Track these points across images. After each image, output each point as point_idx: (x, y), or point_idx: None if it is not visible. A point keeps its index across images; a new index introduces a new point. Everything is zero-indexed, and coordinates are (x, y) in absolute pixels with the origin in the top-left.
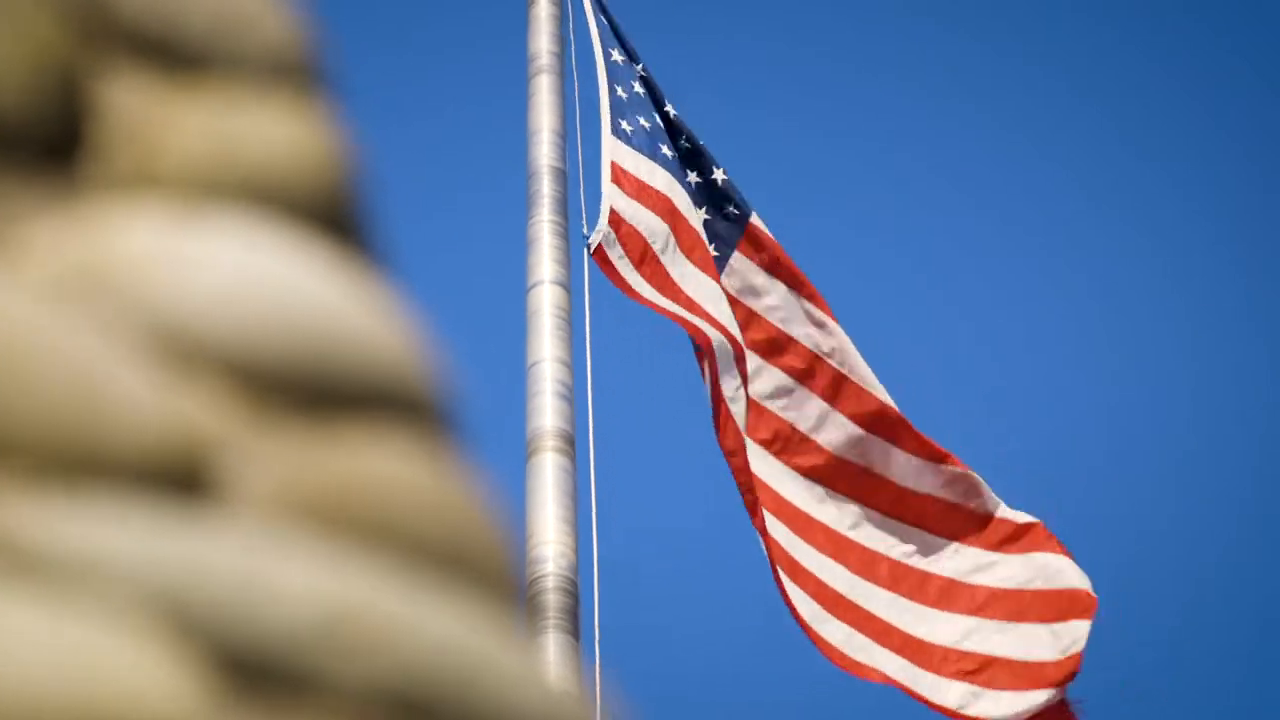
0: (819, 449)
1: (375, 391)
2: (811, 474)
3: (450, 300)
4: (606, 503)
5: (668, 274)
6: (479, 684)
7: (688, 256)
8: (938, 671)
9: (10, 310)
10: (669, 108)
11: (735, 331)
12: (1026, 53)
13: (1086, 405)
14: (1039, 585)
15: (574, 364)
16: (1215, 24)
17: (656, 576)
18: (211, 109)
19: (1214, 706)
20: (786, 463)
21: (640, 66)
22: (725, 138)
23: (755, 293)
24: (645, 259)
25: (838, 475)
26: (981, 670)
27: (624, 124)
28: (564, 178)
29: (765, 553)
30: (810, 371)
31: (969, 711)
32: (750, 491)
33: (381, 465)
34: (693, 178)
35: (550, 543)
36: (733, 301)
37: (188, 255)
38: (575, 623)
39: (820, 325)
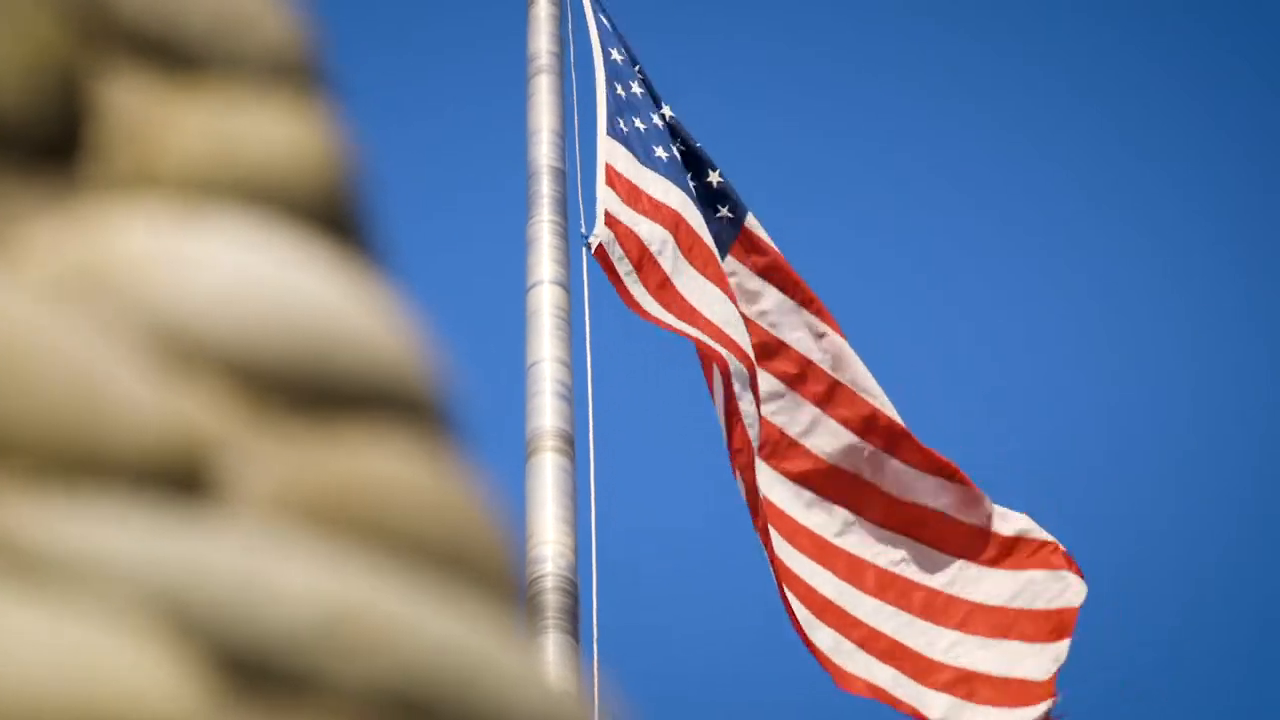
0: (808, 454)
1: (375, 392)
2: (800, 479)
3: (450, 300)
4: (606, 503)
5: (671, 283)
6: (479, 684)
7: (691, 262)
8: (923, 681)
9: (10, 310)
10: (666, 109)
11: (747, 347)
12: (1026, 53)
13: (1086, 405)
14: (1022, 604)
15: (573, 364)
16: (1215, 24)
17: (656, 576)
18: (211, 109)
19: (1214, 706)
20: (775, 467)
21: (638, 68)
22: (725, 138)
23: (748, 297)
24: (644, 262)
25: (827, 481)
26: (966, 683)
27: (622, 124)
28: (563, 178)
29: (770, 565)
30: (802, 376)
31: None
32: (758, 515)
33: (381, 465)
34: (691, 180)
35: (550, 543)
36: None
37: (187, 255)
38: (574, 623)
39: (815, 330)
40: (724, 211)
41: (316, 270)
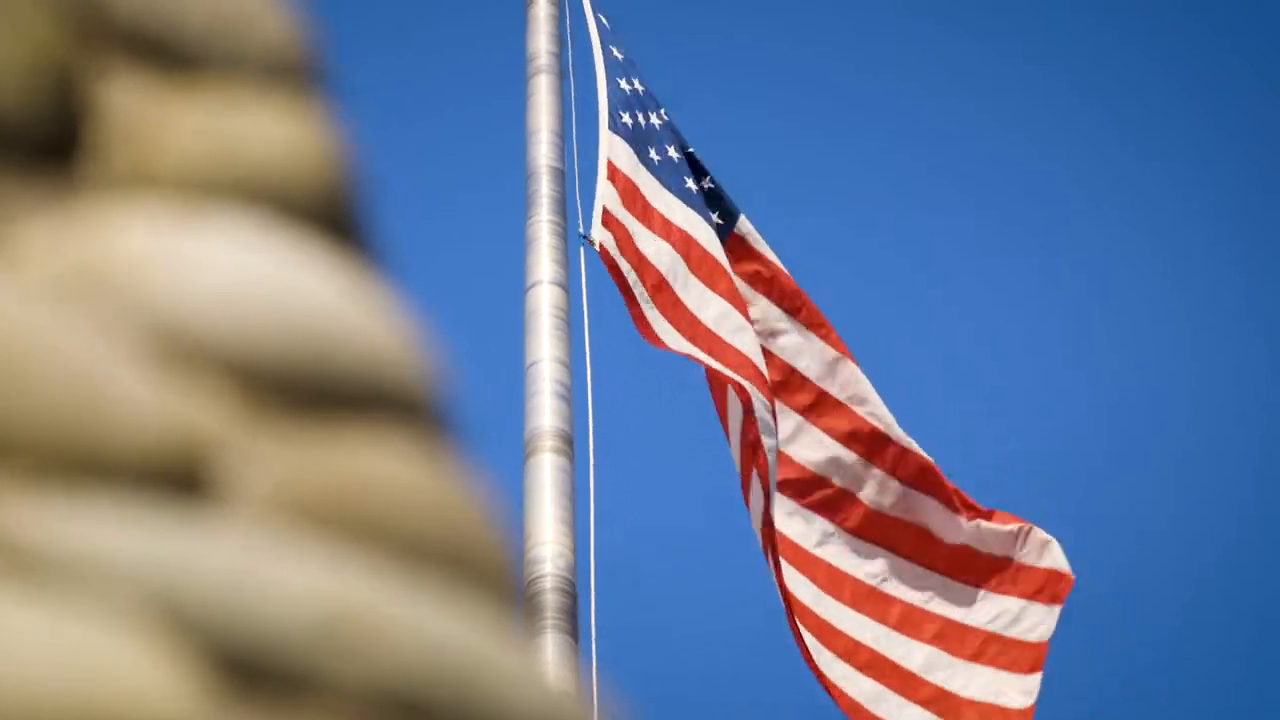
0: (790, 462)
1: (374, 392)
2: (779, 488)
3: (449, 300)
4: (604, 503)
5: (682, 302)
6: (478, 684)
7: (700, 277)
8: (901, 693)
9: (10, 310)
10: (662, 112)
11: (761, 364)
12: (1026, 53)
13: (1086, 405)
14: (997, 628)
15: (573, 364)
16: (1215, 24)
17: (655, 577)
18: (210, 109)
19: (1214, 706)
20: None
21: (636, 70)
22: (725, 138)
23: None
24: (643, 265)
25: (807, 490)
26: (941, 701)
27: (625, 118)
28: (563, 178)
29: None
30: (785, 384)
31: None
32: (768, 540)
33: (380, 465)
34: (689, 183)
35: (548, 543)
36: None
37: (187, 255)
38: (573, 623)
39: (806, 338)
40: (715, 217)
41: (316, 270)
